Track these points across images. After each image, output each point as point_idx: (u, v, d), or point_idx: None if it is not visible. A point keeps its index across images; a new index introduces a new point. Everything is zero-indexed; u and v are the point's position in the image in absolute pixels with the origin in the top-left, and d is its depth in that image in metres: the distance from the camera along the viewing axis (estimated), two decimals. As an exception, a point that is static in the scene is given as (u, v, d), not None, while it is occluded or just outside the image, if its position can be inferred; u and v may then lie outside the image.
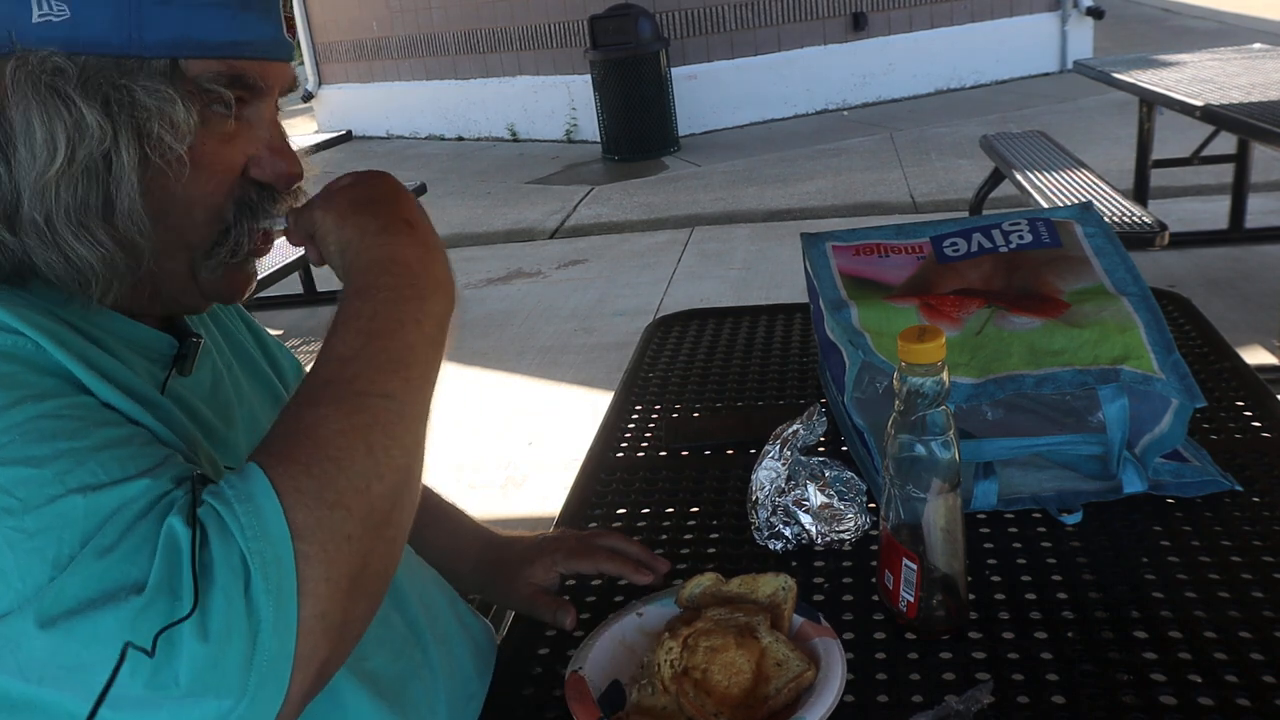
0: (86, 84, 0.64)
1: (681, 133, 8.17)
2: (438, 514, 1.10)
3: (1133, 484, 1.03)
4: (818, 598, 0.95)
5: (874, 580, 0.93)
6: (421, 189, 5.09)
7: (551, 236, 6.05)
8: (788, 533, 1.02)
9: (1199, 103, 3.23)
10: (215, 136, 0.70)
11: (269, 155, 0.74)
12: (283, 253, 4.11)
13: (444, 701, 0.85)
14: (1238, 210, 4.29)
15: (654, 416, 1.39)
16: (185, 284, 0.75)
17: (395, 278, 0.68)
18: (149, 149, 0.67)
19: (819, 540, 1.01)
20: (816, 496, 1.01)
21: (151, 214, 0.68)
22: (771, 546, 1.03)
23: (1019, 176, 3.84)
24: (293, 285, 4.95)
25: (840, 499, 1.02)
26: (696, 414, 1.39)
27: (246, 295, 0.80)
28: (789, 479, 1.02)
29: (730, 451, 1.26)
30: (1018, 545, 0.99)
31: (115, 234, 0.67)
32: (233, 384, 0.83)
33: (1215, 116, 3.17)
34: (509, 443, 3.34)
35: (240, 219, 0.74)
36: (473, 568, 1.05)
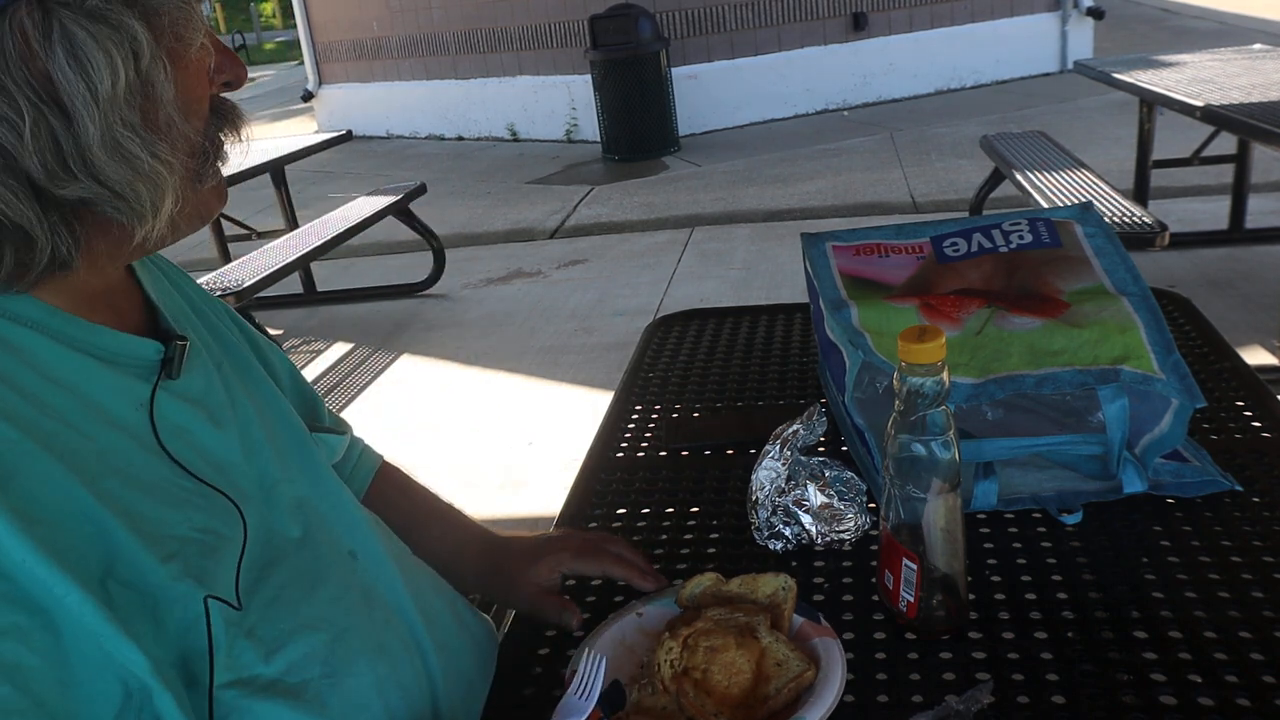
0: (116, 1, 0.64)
1: (681, 133, 8.16)
2: (436, 514, 1.10)
3: (1133, 484, 1.02)
4: (818, 598, 0.95)
5: (874, 580, 0.93)
6: (421, 189, 5.09)
7: (551, 236, 6.05)
8: (788, 533, 1.02)
9: (1199, 103, 3.23)
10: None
11: (224, 59, 0.74)
12: (283, 252, 4.12)
13: (444, 705, 0.85)
14: (1238, 210, 4.29)
15: (654, 416, 1.39)
16: (187, 195, 0.74)
17: None
18: (180, 49, 0.67)
19: (819, 540, 1.01)
20: (816, 496, 1.01)
21: (183, 116, 0.69)
22: (771, 546, 1.03)
23: (1019, 176, 3.84)
24: (293, 285, 4.96)
25: (840, 499, 1.02)
26: (696, 414, 1.39)
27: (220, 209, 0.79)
28: (789, 479, 1.02)
29: (730, 451, 1.26)
30: (1018, 545, 0.99)
31: (170, 140, 0.67)
32: (224, 384, 0.82)
33: (1215, 117, 3.17)
34: (509, 443, 3.34)
35: (223, 125, 0.74)
36: (473, 568, 1.05)
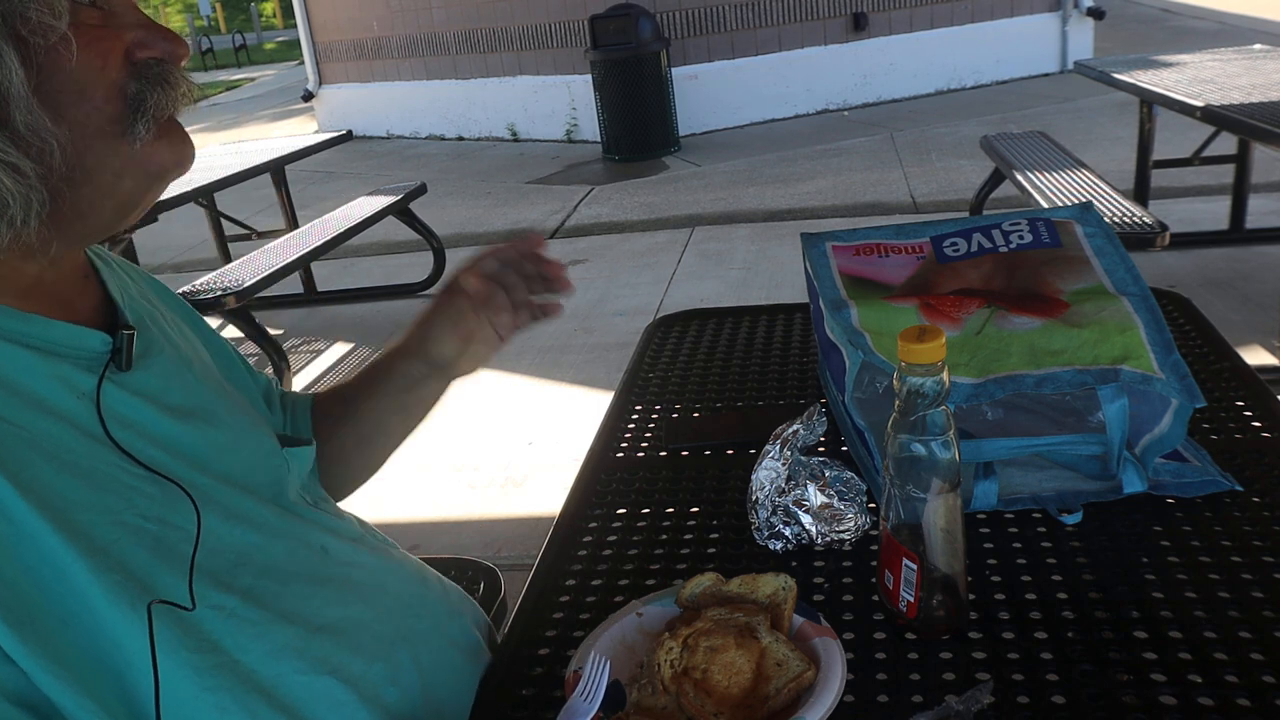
0: None
1: (681, 133, 8.17)
2: (367, 378, 1.09)
3: (1133, 484, 1.02)
4: (818, 598, 0.95)
5: (874, 580, 0.93)
6: (421, 189, 5.09)
7: (552, 236, 6.04)
8: (788, 533, 1.02)
9: (1199, 103, 3.23)
10: (87, 25, 0.67)
11: (149, 34, 0.71)
12: (283, 252, 4.12)
13: (434, 694, 0.85)
14: (1238, 210, 4.29)
15: (654, 416, 1.39)
16: (125, 164, 0.70)
17: None
18: (30, 36, 0.64)
19: (819, 540, 1.01)
20: (816, 496, 1.01)
21: (49, 112, 0.65)
22: (771, 546, 1.03)
23: (1019, 177, 3.84)
24: (293, 285, 4.96)
25: (840, 499, 1.02)
26: (696, 414, 1.39)
27: (191, 161, 0.75)
28: (789, 479, 1.02)
29: (730, 451, 1.26)
30: (1018, 545, 0.99)
31: (19, 142, 0.64)
32: (189, 382, 0.81)
33: (1216, 117, 3.17)
34: (509, 443, 3.34)
35: (146, 88, 0.70)
36: (415, 355, 1.05)
